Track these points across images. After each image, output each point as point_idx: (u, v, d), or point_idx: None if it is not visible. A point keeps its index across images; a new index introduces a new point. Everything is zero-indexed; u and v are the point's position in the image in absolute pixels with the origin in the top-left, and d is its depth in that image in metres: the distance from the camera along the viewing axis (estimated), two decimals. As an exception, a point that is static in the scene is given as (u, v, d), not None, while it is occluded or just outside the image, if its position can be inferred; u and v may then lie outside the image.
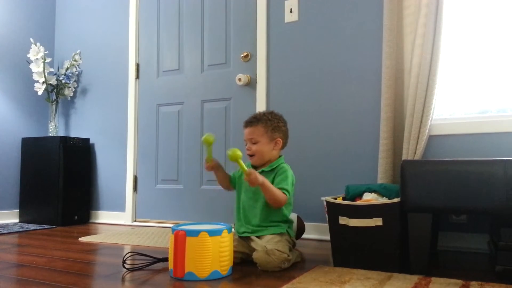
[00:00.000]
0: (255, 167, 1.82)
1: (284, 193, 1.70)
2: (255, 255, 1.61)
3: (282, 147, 1.86)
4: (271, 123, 1.79)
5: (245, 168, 1.61)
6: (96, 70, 3.32)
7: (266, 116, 1.81)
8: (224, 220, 2.48)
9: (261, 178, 1.63)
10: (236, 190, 1.87)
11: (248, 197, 1.79)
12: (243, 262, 1.69)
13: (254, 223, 1.75)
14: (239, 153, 1.59)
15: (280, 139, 1.81)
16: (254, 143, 1.78)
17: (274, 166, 1.78)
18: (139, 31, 3.14)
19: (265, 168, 1.79)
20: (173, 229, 1.50)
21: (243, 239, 1.75)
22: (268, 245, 1.60)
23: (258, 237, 1.71)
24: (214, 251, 1.45)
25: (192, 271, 1.43)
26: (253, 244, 1.70)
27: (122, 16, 3.21)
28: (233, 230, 1.68)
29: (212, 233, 1.46)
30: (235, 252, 1.60)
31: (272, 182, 1.72)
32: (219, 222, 1.70)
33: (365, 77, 2.31)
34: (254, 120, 1.80)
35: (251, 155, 1.80)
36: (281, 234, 1.72)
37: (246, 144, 1.82)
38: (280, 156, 1.85)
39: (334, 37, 2.42)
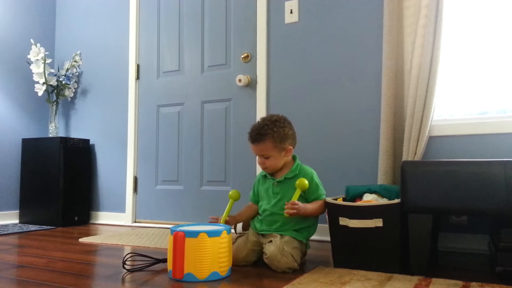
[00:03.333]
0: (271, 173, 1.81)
1: (322, 199, 1.75)
2: (269, 248, 1.59)
3: (293, 147, 1.81)
4: (277, 134, 1.71)
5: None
6: (96, 71, 3.32)
7: (270, 127, 1.72)
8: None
9: (303, 209, 1.66)
10: (260, 199, 1.84)
11: (272, 204, 1.75)
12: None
13: (276, 227, 1.72)
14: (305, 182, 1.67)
15: (290, 147, 1.76)
16: (266, 158, 1.74)
17: (296, 172, 1.76)
18: (139, 32, 3.15)
19: (288, 175, 1.76)
20: (172, 230, 1.49)
21: (258, 237, 1.73)
22: (286, 247, 1.59)
23: (279, 234, 1.68)
24: (213, 252, 1.45)
25: (191, 272, 1.43)
26: (271, 238, 1.66)
27: (122, 17, 3.21)
28: (232, 231, 1.68)
29: (211, 234, 1.45)
30: (251, 251, 1.66)
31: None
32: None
33: (365, 78, 2.31)
34: (260, 137, 1.72)
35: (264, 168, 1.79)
36: (300, 242, 1.69)
37: (256, 156, 1.80)
38: (294, 157, 1.82)
39: (334, 38, 2.42)
